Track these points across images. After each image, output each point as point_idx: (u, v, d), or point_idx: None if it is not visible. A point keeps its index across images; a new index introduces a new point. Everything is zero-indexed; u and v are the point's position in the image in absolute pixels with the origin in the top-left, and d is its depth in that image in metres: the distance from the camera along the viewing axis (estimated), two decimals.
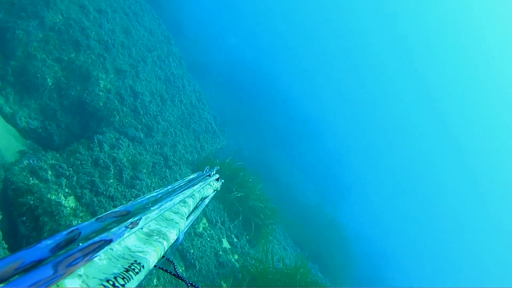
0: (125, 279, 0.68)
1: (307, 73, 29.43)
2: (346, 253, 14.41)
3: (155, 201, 1.09)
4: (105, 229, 0.79)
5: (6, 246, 3.43)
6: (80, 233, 0.73)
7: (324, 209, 15.50)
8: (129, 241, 0.83)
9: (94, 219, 0.82)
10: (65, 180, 4.20)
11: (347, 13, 41.63)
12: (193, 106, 9.17)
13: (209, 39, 16.45)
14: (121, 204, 1.35)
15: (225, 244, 6.72)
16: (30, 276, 0.53)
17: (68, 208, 3.97)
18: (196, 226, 6.15)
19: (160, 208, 1.02)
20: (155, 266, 0.87)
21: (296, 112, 19.70)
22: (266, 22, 26.88)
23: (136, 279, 0.72)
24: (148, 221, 0.94)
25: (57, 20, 6.09)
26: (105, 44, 6.80)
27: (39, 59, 5.55)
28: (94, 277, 0.64)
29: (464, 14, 48.50)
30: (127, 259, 0.76)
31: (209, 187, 1.66)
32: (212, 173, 1.83)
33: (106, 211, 1.30)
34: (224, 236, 6.85)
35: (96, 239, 0.72)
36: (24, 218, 3.66)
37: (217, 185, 1.84)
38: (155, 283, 4.43)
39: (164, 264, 1.01)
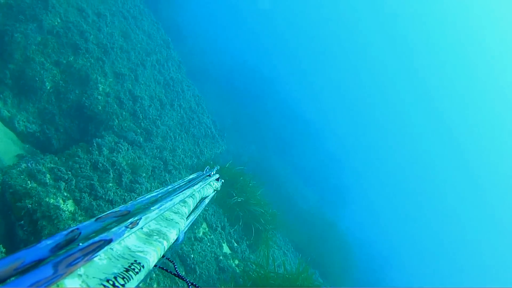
0: (125, 279, 0.68)
1: (307, 75, 29.60)
2: (346, 256, 14.35)
3: (155, 201, 1.09)
4: (105, 229, 0.79)
5: (3, 250, 3.40)
6: (80, 233, 0.73)
7: (324, 213, 15.47)
8: (129, 241, 0.83)
9: (94, 219, 0.82)
10: (63, 183, 4.18)
11: (346, 14, 41.90)
12: (192, 111, 9.17)
13: (208, 44, 16.52)
14: None
15: (226, 249, 6.68)
16: (30, 276, 0.53)
17: (66, 212, 3.95)
18: (196, 231, 6.12)
19: (160, 208, 1.02)
20: (155, 266, 0.87)
21: (296, 113, 19.78)
22: (265, 24, 27.04)
23: (136, 279, 0.72)
24: (148, 221, 0.94)
25: (56, 23, 6.10)
26: (104, 47, 6.80)
27: (37, 62, 5.55)
28: (94, 277, 0.64)
29: (464, 14, 48.85)
30: (127, 259, 0.76)
31: (209, 187, 1.66)
32: (212, 173, 1.82)
33: None
34: (225, 241, 6.81)
35: (96, 239, 0.72)
36: (22, 222, 3.64)
37: (217, 185, 1.84)
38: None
39: (165, 264, 1.01)
